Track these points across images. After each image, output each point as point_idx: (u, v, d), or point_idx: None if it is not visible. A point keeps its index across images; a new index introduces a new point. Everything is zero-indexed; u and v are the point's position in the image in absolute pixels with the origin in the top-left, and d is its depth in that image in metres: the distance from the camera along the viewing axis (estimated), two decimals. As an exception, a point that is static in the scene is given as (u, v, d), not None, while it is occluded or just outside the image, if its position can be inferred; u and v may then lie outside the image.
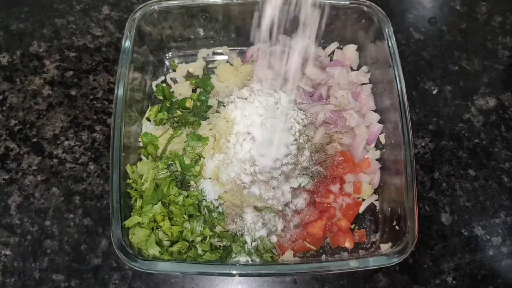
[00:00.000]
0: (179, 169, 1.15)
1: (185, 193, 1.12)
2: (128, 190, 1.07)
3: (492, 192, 1.29)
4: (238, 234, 1.13)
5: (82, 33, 1.45)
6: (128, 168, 1.09)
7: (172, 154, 1.17)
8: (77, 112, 1.34)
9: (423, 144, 1.35)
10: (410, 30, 1.53)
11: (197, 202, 1.13)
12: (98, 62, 1.41)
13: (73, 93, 1.36)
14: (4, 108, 1.33)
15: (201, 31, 1.37)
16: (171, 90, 1.35)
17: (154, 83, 1.35)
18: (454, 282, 1.18)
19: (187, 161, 1.15)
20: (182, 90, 1.34)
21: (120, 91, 1.11)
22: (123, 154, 1.06)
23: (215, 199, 1.14)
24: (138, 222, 1.05)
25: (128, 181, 1.09)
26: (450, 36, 1.52)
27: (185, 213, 1.10)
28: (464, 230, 1.24)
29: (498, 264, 1.21)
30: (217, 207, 1.14)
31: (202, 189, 1.14)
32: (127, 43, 1.17)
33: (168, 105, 1.28)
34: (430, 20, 1.56)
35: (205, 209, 1.13)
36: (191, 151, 1.16)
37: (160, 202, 1.08)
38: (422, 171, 1.31)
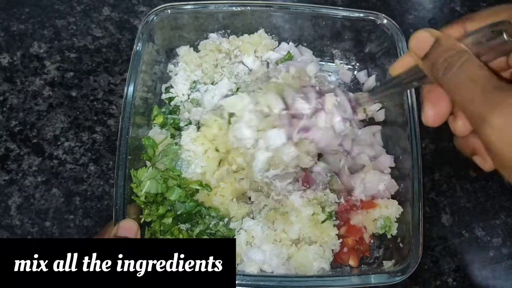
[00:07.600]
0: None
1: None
2: (133, 198, 1.05)
3: (492, 193, 1.29)
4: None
5: (83, 34, 1.45)
6: (133, 172, 1.06)
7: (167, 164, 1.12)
8: (78, 113, 1.34)
9: (423, 145, 1.34)
10: (411, 31, 1.51)
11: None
12: (98, 63, 1.41)
13: (74, 94, 1.36)
14: (4, 109, 1.33)
15: (213, 36, 1.35)
16: None
17: (163, 86, 1.33)
18: (454, 283, 1.18)
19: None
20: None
21: (129, 93, 1.09)
22: (130, 157, 1.05)
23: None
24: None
25: (131, 184, 1.06)
26: (451, 37, 1.52)
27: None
28: (464, 231, 1.24)
29: (498, 265, 1.21)
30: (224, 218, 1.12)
31: (202, 202, 1.12)
32: (139, 46, 1.15)
33: (170, 108, 1.26)
34: (430, 21, 1.56)
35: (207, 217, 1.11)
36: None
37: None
38: (422, 172, 1.30)
